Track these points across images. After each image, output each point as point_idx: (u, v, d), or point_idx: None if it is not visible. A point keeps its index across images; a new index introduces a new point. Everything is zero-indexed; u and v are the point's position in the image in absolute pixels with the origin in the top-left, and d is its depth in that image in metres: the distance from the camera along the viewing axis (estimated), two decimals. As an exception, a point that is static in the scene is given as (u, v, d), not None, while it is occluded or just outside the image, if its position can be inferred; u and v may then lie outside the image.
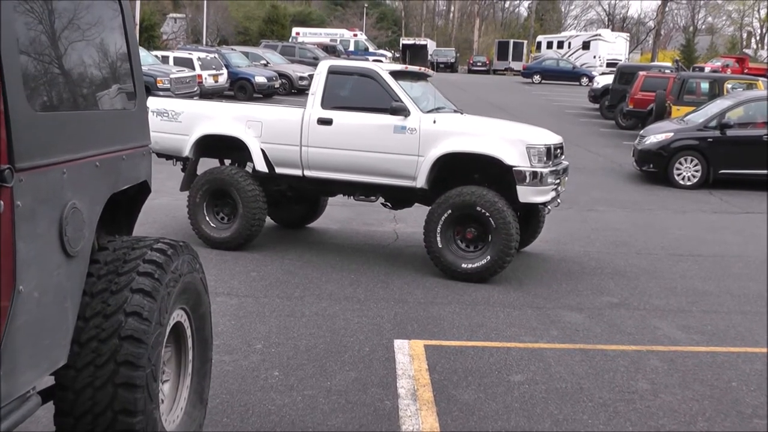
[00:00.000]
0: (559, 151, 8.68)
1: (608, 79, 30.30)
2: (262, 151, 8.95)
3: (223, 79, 27.30)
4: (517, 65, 63.97)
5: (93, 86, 3.55)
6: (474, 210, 8.07)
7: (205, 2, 53.63)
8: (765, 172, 15.21)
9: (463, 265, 8.16)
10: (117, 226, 4.17)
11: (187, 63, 25.98)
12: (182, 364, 4.02)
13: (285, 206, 10.17)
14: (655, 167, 15.75)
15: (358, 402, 5.16)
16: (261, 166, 8.97)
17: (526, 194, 8.15)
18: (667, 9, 75.70)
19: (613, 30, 74.46)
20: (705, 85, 21.46)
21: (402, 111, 8.44)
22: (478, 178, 8.56)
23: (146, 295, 3.38)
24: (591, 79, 43.59)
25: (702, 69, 40.82)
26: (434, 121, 8.46)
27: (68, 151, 3.14)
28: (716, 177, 15.35)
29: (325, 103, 8.80)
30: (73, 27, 3.35)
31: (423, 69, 10.02)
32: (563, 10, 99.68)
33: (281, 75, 31.28)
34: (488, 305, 7.50)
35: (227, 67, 28.39)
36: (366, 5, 77.63)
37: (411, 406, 5.12)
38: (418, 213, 10.25)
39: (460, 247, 8.29)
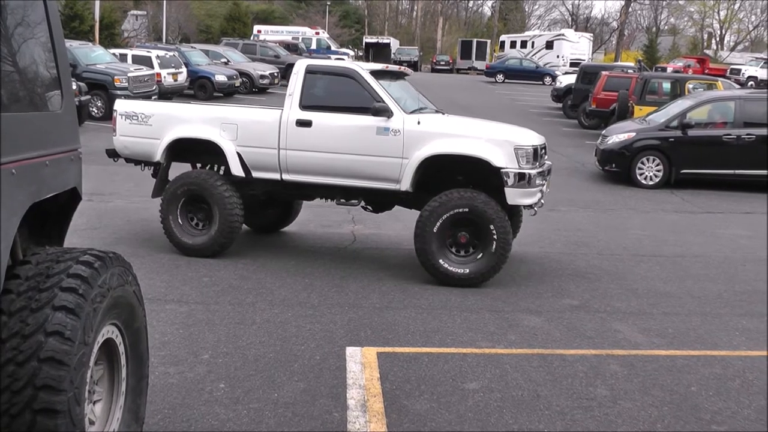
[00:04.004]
0: (543, 151, 8.52)
1: (571, 79, 30.42)
2: (238, 154, 8.63)
3: (182, 77, 26.86)
4: (480, 64, 64.15)
5: (6, 87, 3.30)
6: (481, 217, 7.89)
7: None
8: (725, 171, 15.28)
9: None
10: (47, 237, 3.93)
11: (146, 61, 25.48)
12: (115, 382, 3.79)
13: (259, 210, 9.82)
14: (618, 167, 15.74)
15: (305, 415, 4.97)
16: (237, 170, 8.63)
17: (515, 196, 7.99)
18: (630, 9, 76.27)
19: (576, 30, 74.84)
20: (667, 85, 21.58)
21: (384, 112, 8.19)
22: (462, 180, 8.38)
23: (69, 312, 3.15)
24: (554, 78, 43.75)
25: (664, 69, 41.19)
26: (418, 122, 8.24)
27: None
28: (678, 177, 15.38)
29: (304, 105, 8.50)
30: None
31: (402, 68, 9.83)
32: (527, 9, 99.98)
33: (242, 74, 30.90)
34: (445, 309, 7.35)
35: (187, 65, 27.93)
36: (329, 3, 77.22)
37: (360, 418, 4.94)
38: (377, 215, 10.08)
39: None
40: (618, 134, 16.15)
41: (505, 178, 7.92)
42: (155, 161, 9.02)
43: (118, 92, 21.41)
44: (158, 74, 25.01)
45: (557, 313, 7.39)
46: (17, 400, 3.03)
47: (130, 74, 22.42)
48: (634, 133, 15.93)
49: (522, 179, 7.93)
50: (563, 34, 65.13)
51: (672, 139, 15.47)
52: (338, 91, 8.61)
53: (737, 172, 15.26)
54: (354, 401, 5.19)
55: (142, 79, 22.97)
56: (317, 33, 61.65)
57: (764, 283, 8.73)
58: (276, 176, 8.61)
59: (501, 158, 7.95)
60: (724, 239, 11.07)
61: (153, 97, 21.94)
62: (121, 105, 9.20)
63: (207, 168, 9.20)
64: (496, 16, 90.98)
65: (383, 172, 8.25)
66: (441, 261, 8.00)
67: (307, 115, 8.44)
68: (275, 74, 33.40)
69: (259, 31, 59.27)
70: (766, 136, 15.07)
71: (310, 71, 8.67)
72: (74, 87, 14.48)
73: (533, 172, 8.00)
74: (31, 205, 3.39)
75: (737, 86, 27.77)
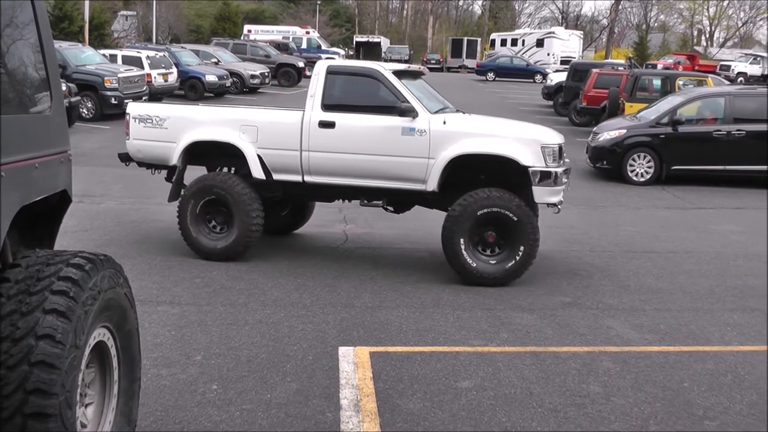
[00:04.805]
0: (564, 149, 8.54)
1: (562, 77, 30.40)
2: (259, 157, 8.51)
3: (173, 78, 26.75)
4: (471, 63, 64.31)
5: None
6: (519, 233, 7.92)
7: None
8: (716, 167, 15.32)
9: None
10: (37, 239, 3.91)
11: (136, 62, 25.35)
12: (107, 385, 3.77)
13: (273, 212, 9.62)
14: (609, 164, 15.78)
15: (298, 415, 4.96)
16: (258, 173, 8.50)
17: (542, 195, 8.04)
18: (620, 7, 76.47)
19: (566, 28, 74.93)
20: (657, 82, 21.62)
21: (410, 112, 8.14)
22: (485, 179, 8.36)
23: (60, 315, 3.13)
24: (545, 76, 43.82)
25: (654, 66, 41.31)
26: (444, 122, 8.20)
27: None
28: (669, 173, 15.42)
29: (326, 106, 8.42)
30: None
31: (420, 67, 9.77)
32: (517, 7, 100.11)
33: (232, 73, 30.79)
34: (437, 308, 7.35)
35: (177, 65, 27.82)
36: (319, 2, 77.11)
37: (353, 418, 4.93)
38: (369, 213, 10.11)
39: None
40: (609, 131, 16.18)
41: (533, 177, 7.93)
42: (171, 165, 8.87)
43: (109, 93, 21.41)
44: (148, 75, 24.89)
45: (550, 311, 7.40)
46: (8, 404, 3.01)
47: (120, 75, 22.32)
48: (624, 130, 15.96)
49: (548, 177, 7.95)
50: (554, 32, 65.24)
51: (663, 136, 15.50)
52: (360, 91, 8.54)
53: (728, 167, 15.29)
54: (347, 401, 5.19)
55: (132, 79, 22.88)
56: (307, 32, 61.50)
57: (755, 279, 8.75)
58: (298, 178, 8.52)
59: (528, 157, 7.96)
60: (716, 235, 11.10)
61: (143, 98, 21.86)
62: (134, 108, 9.01)
63: (223, 171, 9.06)
64: (487, 14, 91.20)
65: (409, 173, 8.21)
66: (462, 241, 7.97)
67: (329, 116, 8.35)
68: (266, 74, 33.36)
69: (250, 31, 59.15)
70: (759, 132, 15.11)
71: (331, 72, 8.57)
72: (64, 88, 14.40)
73: (559, 170, 8.03)
74: (21, 208, 3.38)
75: (727, 83, 27.84)
